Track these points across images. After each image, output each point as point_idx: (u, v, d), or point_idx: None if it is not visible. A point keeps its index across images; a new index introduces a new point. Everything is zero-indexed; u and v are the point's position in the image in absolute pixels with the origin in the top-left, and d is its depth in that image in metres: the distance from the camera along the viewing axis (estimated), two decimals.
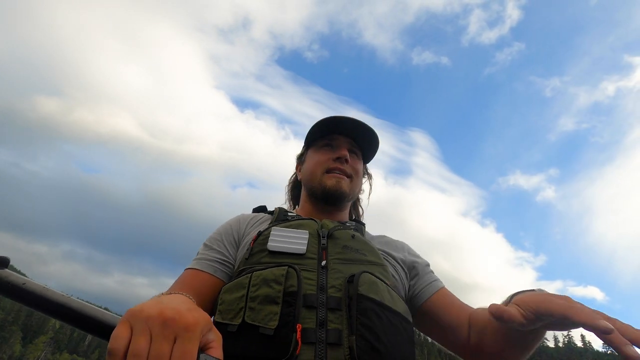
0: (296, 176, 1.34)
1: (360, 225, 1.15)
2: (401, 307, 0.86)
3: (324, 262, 0.87)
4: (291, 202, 1.36)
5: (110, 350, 0.46)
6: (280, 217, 1.08)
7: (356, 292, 0.79)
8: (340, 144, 1.18)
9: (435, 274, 1.10)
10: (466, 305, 1.00)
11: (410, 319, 0.88)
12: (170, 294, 0.68)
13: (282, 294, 0.77)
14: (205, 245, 1.04)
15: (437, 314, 0.98)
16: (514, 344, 0.80)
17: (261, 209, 1.20)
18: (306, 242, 0.91)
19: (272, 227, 0.96)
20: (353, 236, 0.98)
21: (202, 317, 0.52)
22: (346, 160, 1.14)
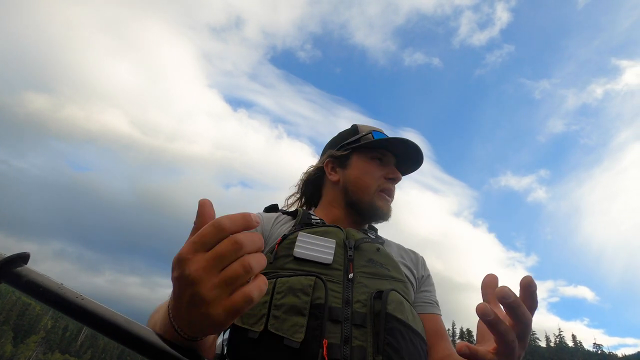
0: (315, 173, 1.21)
1: (380, 236, 1.13)
2: (420, 326, 0.86)
3: (351, 275, 0.84)
4: (302, 199, 1.25)
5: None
6: (304, 220, 1.02)
7: (385, 310, 0.78)
8: (390, 162, 1.14)
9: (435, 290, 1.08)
10: (449, 347, 0.94)
11: (425, 338, 0.87)
12: None
13: (309, 305, 0.75)
14: None
15: None
16: None
17: (273, 209, 1.15)
18: (333, 251, 0.88)
19: (299, 232, 0.91)
20: (378, 249, 0.96)
21: None
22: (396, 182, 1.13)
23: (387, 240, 1.15)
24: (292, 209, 1.22)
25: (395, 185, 1.15)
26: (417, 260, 1.12)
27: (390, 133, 1.15)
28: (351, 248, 0.91)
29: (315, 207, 1.22)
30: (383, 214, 1.09)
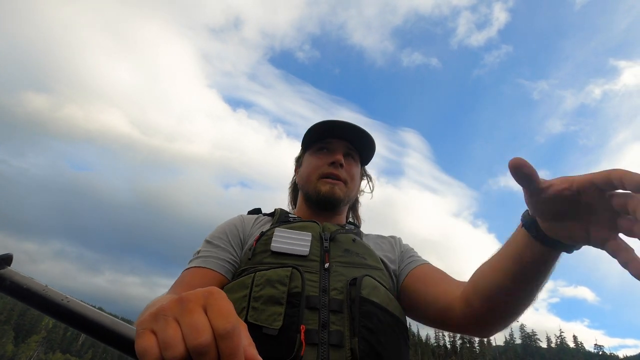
0: (294, 179, 1.35)
1: (357, 229, 1.18)
2: (398, 310, 0.89)
3: (327, 265, 0.88)
4: (291, 204, 1.37)
5: None
6: (281, 219, 1.08)
7: (359, 295, 0.81)
8: (336, 148, 1.17)
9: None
10: (453, 279, 0.95)
11: (406, 322, 0.91)
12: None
13: (287, 294, 0.78)
14: (209, 242, 1.00)
15: (414, 292, 0.96)
16: (522, 279, 0.67)
17: (256, 212, 1.20)
18: (309, 244, 0.92)
19: (275, 228, 0.96)
20: (354, 240, 1.00)
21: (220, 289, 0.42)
22: (341, 165, 1.13)
23: (364, 233, 1.20)
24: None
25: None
26: (394, 243, 1.16)
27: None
28: (327, 240, 0.95)
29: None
30: (328, 198, 1.10)
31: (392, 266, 1.05)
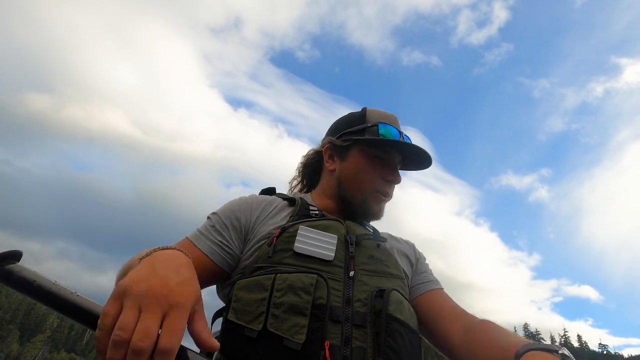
0: (313, 157, 1.17)
1: (377, 230, 1.11)
2: (415, 323, 0.85)
3: (352, 273, 0.82)
4: (302, 181, 1.22)
5: (99, 325, 0.47)
6: (302, 211, 0.97)
7: (386, 311, 0.77)
8: (392, 161, 1.05)
9: (433, 274, 1.09)
10: (463, 311, 0.92)
11: (419, 333, 0.86)
12: (166, 250, 0.63)
13: (311, 305, 0.72)
14: (209, 219, 0.95)
15: (421, 318, 0.93)
16: None
17: (269, 192, 1.11)
18: (335, 247, 0.85)
19: (300, 225, 0.87)
20: (378, 245, 0.94)
21: (192, 292, 0.52)
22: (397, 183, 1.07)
23: (379, 232, 1.12)
24: (296, 190, 1.22)
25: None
26: (410, 247, 1.12)
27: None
28: (352, 244, 0.88)
29: (315, 189, 1.17)
30: (374, 215, 1.06)
31: (410, 269, 1.04)
